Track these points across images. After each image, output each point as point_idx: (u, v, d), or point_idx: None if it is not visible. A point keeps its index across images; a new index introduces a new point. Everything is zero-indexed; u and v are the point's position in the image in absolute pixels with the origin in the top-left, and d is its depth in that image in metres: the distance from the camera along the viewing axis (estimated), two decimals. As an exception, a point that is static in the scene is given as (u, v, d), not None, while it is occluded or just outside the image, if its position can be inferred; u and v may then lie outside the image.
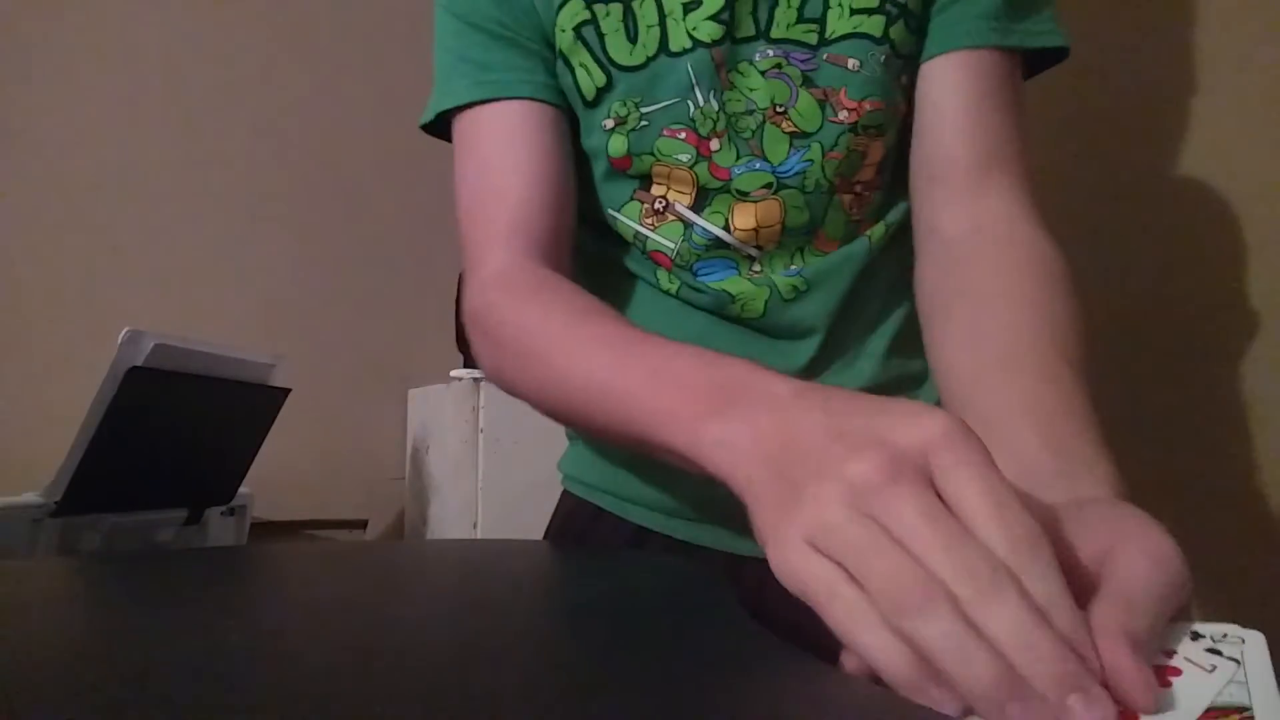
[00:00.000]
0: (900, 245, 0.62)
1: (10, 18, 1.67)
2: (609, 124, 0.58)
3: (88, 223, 1.70)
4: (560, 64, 0.59)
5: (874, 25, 0.56)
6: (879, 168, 0.60)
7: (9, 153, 1.65)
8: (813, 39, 0.56)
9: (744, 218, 0.58)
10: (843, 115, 0.57)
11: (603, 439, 0.58)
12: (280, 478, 1.59)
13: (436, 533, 1.66)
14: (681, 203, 0.59)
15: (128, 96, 1.76)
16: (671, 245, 0.60)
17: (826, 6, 0.56)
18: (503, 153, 0.59)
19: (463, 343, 2.07)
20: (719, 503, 0.39)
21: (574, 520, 0.69)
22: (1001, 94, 0.57)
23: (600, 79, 0.58)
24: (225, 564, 0.54)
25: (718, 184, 0.58)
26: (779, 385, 0.36)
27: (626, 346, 0.46)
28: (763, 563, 0.33)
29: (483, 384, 1.49)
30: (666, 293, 0.62)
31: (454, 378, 1.64)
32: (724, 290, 0.59)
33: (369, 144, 2.00)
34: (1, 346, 1.61)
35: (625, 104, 0.57)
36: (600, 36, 0.57)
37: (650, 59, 0.57)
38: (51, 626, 0.36)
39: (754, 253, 0.59)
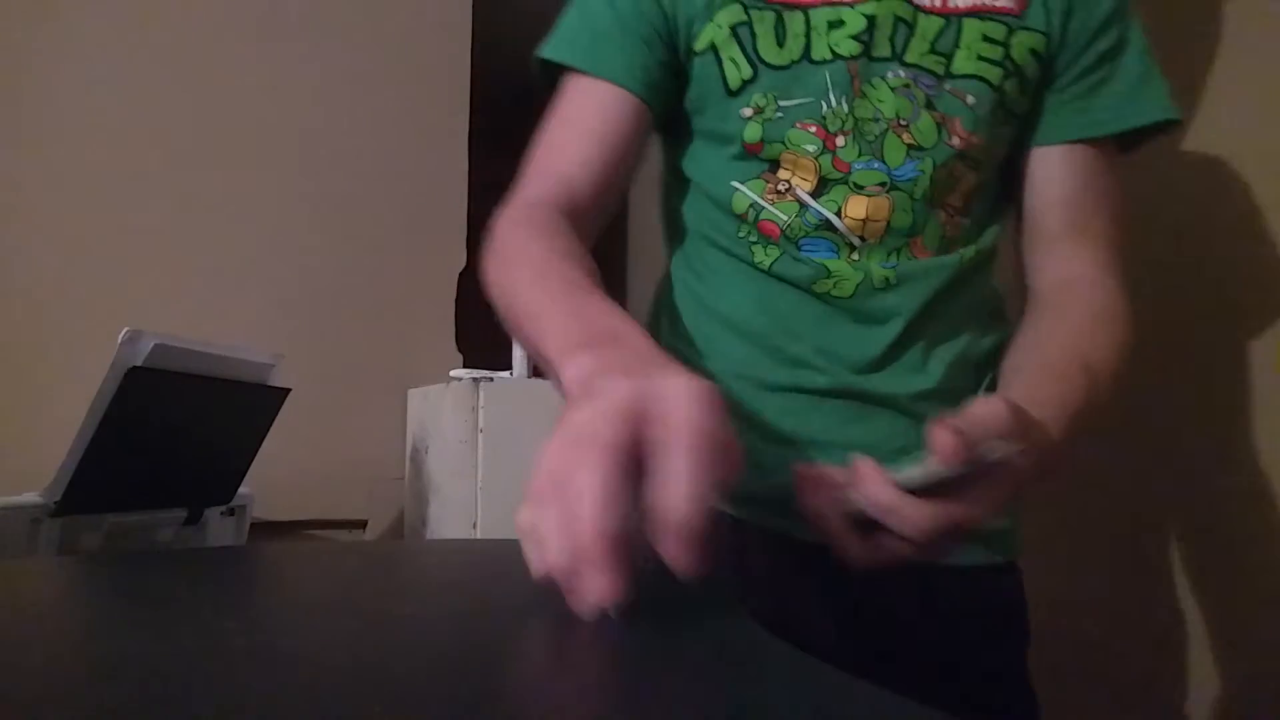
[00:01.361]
0: (984, 275, 0.70)
1: (12, 18, 1.67)
2: (748, 112, 0.67)
3: (88, 223, 1.71)
4: (708, 57, 0.67)
5: (993, 74, 0.65)
6: (968, 197, 0.68)
7: (9, 153, 1.65)
8: (940, 69, 0.66)
9: (856, 208, 0.65)
10: (955, 141, 0.66)
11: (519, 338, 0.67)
12: (280, 478, 1.59)
13: (436, 533, 1.66)
14: (803, 188, 0.66)
15: (128, 98, 1.76)
16: (785, 219, 0.66)
17: (956, 46, 0.66)
18: (588, 126, 0.68)
19: (462, 343, 2.08)
20: (774, 492, 0.58)
21: None
22: (1096, 180, 0.69)
23: (748, 72, 0.66)
24: (225, 564, 0.54)
25: (838, 175, 0.65)
26: (625, 345, 0.45)
27: (566, 290, 0.55)
28: (810, 545, 0.54)
29: (482, 384, 1.49)
30: (759, 267, 0.68)
31: (453, 378, 1.64)
32: (823, 265, 0.66)
33: (370, 144, 2.00)
34: (2, 346, 1.61)
35: (766, 96, 0.66)
36: (753, 36, 0.65)
37: (794, 62, 0.65)
38: (51, 626, 0.36)
39: (856, 241, 0.66)
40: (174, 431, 1.23)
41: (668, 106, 0.72)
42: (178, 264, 1.78)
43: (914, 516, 0.47)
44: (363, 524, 1.93)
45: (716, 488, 0.35)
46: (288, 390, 1.37)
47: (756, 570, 0.65)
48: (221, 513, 1.43)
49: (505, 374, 1.64)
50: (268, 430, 1.38)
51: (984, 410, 0.47)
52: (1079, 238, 0.69)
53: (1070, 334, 0.64)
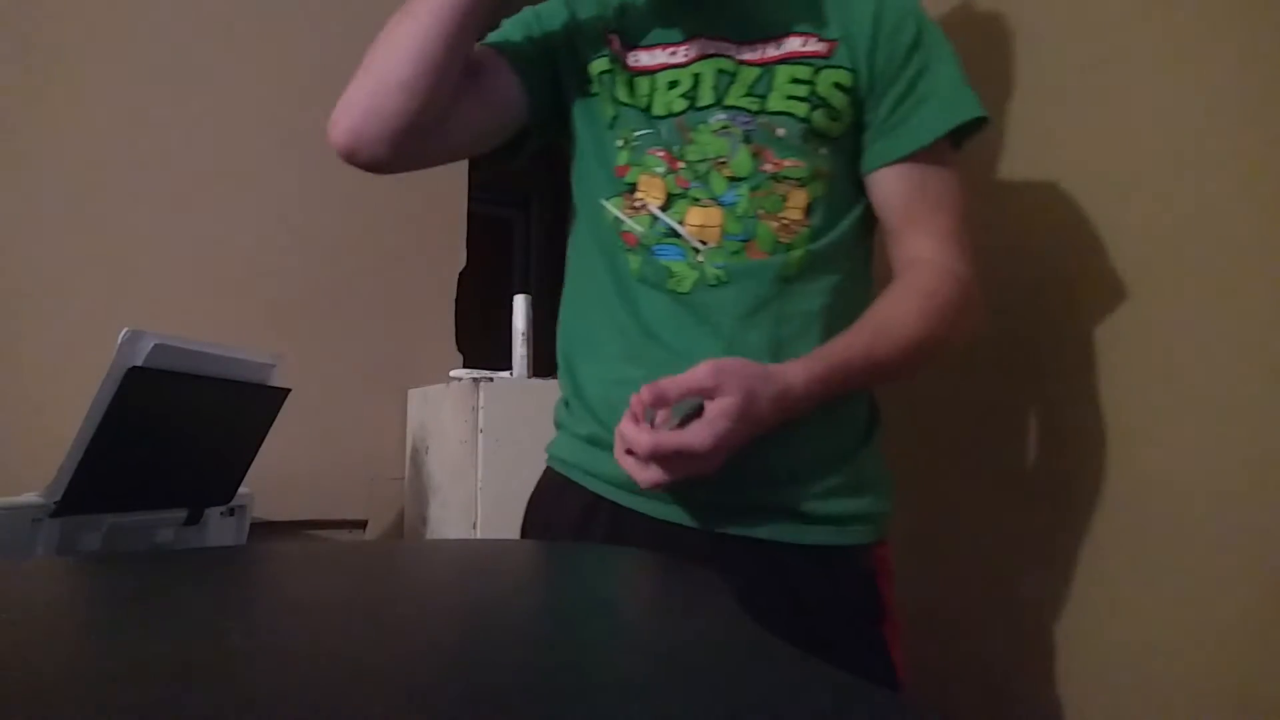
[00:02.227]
0: (827, 272, 0.81)
1: (13, 18, 1.67)
2: (619, 143, 0.83)
3: (88, 223, 1.70)
4: (596, 96, 0.85)
5: (799, 108, 0.79)
6: (806, 211, 0.80)
7: (10, 153, 1.65)
8: (755, 107, 0.80)
9: (695, 216, 0.79)
10: (768, 167, 0.79)
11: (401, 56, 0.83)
12: (280, 478, 1.59)
13: (436, 533, 1.66)
14: (653, 204, 0.80)
15: (129, 97, 1.76)
16: (640, 230, 0.81)
17: (770, 89, 0.80)
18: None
19: (462, 343, 2.08)
20: None
21: (549, 488, 0.90)
22: (928, 183, 0.82)
23: (614, 111, 0.83)
24: (225, 564, 0.54)
25: (680, 190, 0.80)
26: None
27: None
28: (685, 529, 0.78)
29: (482, 384, 1.49)
30: (633, 273, 0.82)
31: (454, 378, 1.64)
32: (668, 266, 0.80)
33: (369, 144, 2.00)
34: (2, 347, 1.61)
35: (627, 129, 0.82)
36: (614, 84, 0.83)
37: (643, 108, 0.82)
38: (51, 626, 0.36)
39: (699, 245, 0.79)
40: (174, 431, 1.23)
41: (551, 108, 0.87)
42: (178, 264, 1.78)
43: (642, 440, 0.67)
44: (363, 524, 1.93)
45: None
46: (288, 390, 1.37)
47: (622, 544, 0.77)
48: (221, 513, 1.43)
49: (505, 374, 1.64)
50: (268, 430, 1.38)
51: (693, 372, 0.66)
52: (917, 231, 0.82)
53: (879, 307, 0.78)
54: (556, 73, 0.87)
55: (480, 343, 2.14)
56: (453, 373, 1.73)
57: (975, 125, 0.83)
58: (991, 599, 1.14)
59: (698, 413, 0.67)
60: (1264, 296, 0.86)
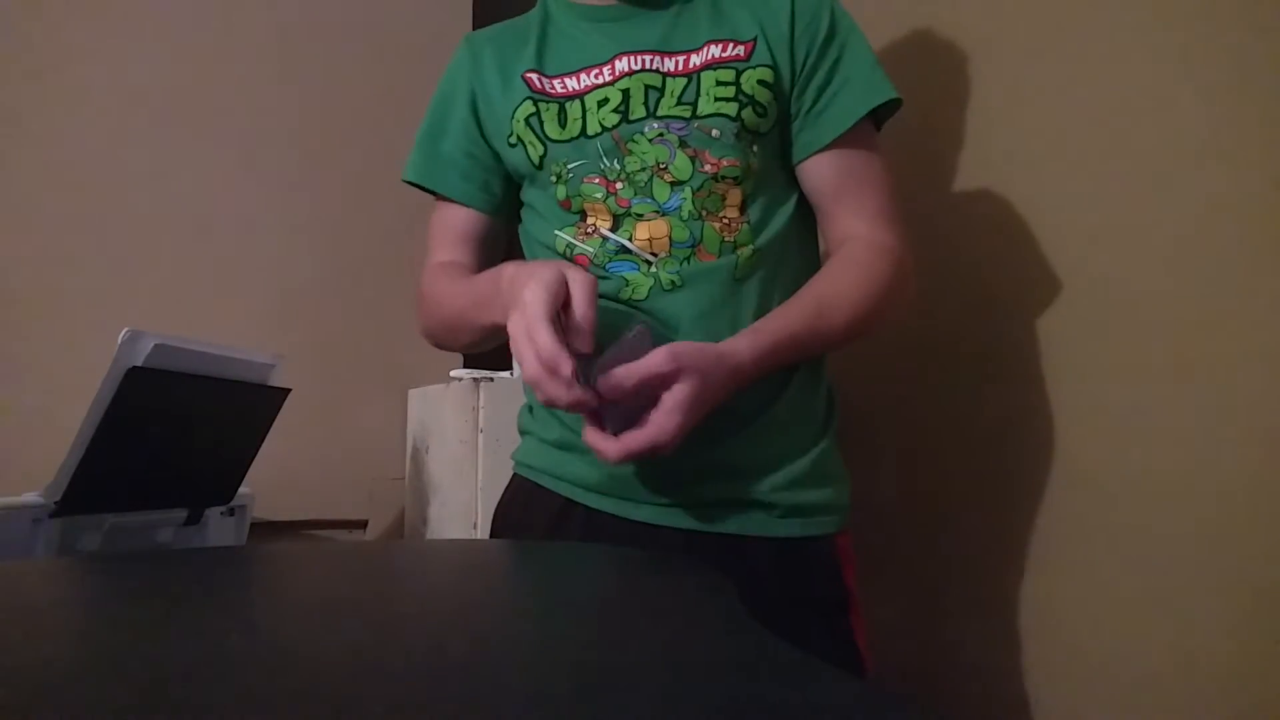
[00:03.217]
0: (776, 266, 0.85)
1: (14, 18, 1.67)
2: (553, 179, 0.86)
3: (88, 223, 1.70)
4: (518, 146, 0.87)
5: (729, 108, 0.82)
6: (741, 209, 0.84)
7: (10, 152, 1.65)
8: (688, 114, 0.83)
9: (641, 231, 0.82)
10: (707, 168, 0.82)
11: (465, 339, 0.92)
12: (280, 478, 1.59)
13: (436, 533, 1.66)
14: (603, 227, 0.84)
15: (129, 97, 1.76)
16: (591, 251, 0.84)
17: (698, 95, 0.83)
18: (453, 233, 0.97)
19: (463, 343, 2.08)
20: (621, 482, 0.81)
21: (518, 495, 0.92)
22: (854, 165, 0.86)
23: (541, 149, 0.86)
24: (225, 564, 0.54)
25: (622, 210, 0.83)
26: (521, 266, 0.76)
27: (471, 288, 0.86)
28: (648, 526, 0.81)
29: (482, 384, 1.49)
30: None
31: (454, 378, 1.64)
32: (623, 277, 0.82)
33: (369, 144, 2.00)
34: (2, 347, 1.61)
35: (559, 164, 0.85)
36: (541, 123, 0.86)
37: (574, 137, 0.84)
38: (51, 626, 0.36)
39: (650, 258, 0.82)
40: (174, 431, 1.23)
41: (506, 197, 0.94)
42: (178, 264, 1.78)
43: (610, 449, 0.70)
44: (363, 524, 1.93)
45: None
46: (288, 390, 1.37)
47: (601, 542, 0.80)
48: (221, 513, 1.43)
49: (505, 374, 1.64)
50: (268, 430, 1.38)
51: (649, 359, 0.68)
52: (847, 213, 0.86)
53: (818, 281, 0.82)
54: (484, 167, 0.93)
55: (480, 343, 2.14)
56: (453, 373, 1.73)
57: (893, 106, 0.87)
58: (977, 600, 1.15)
59: (626, 346, 0.70)
60: (1259, 292, 0.86)
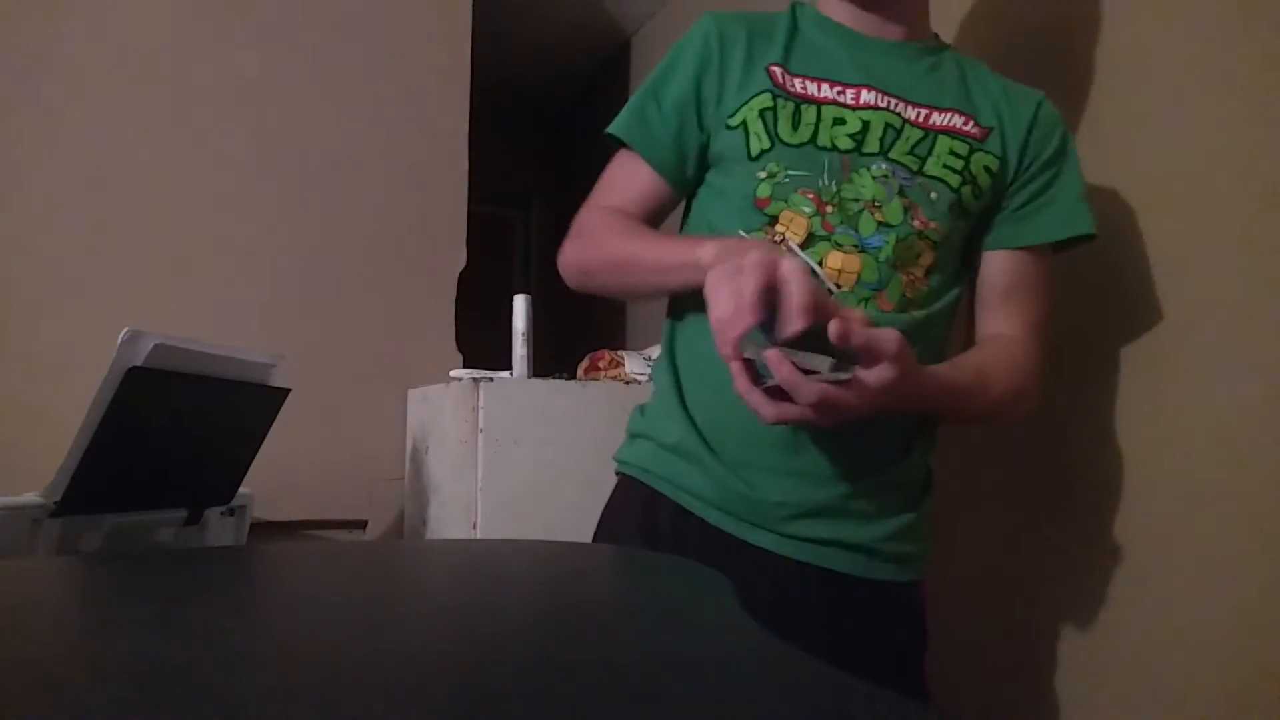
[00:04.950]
0: (934, 334, 0.88)
1: (14, 18, 1.67)
2: (762, 175, 0.86)
3: (88, 223, 1.70)
4: (738, 130, 0.87)
5: (953, 179, 0.86)
6: (927, 271, 0.86)
7: (10, 152, 1.65)
8: (915, 166, 0.86)
9: (834, 260, 0.83)
10: (916, 223, 0.85)
11: (629, 282, 0.90)
12: (280, 478, 1.59)
13: (436, 533, 1.66)
14: (794, 241, 0.84)
15: (129, 96, 1.76)
16: None
17: (930, 153, 0.86)
18: (632, 192, 0.94)
19: (462, 343, 2.07)
20: (738, 501, 0.83)
21: (634, 496, 0.92)
22: (1029, 273, 0.91)
23: (767, 144, 0.86)
24: (225, 564, 0.54)
25: (823, 234, 0.84)
26: (733, 239, 0.81)
27: (663, 235, 0.88)
28: (764, 552, 0.83)
29: (482, 384, 1.49)
30: None
31: (454, 378, 1.64)
32: None
33: (370, 144, 2.00)
34: (2, 347, 1.61)
35: (777, 165, 0.85)
36: (775, 120, 0.86)
37: (804, 143, 0.85)
38: (51, 626, 0.36)
39: (833, 288, 0.83)
40: (174, 431, 1.23)
41: (695, 178, 0.93)
42: (178, 264, 1.78)
43: (806, 388, 0.66)
44: (363, 524, 1.93)
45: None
46: (288, 390, 1.37)
47: (709, 558, 0.80)
48: (221, 513, 1.42)
49: (505, 374, 1.64)
50: (268, 430, 1.38)
51: (881, 331, 0.67)
52: (1010, 312, 0.91)
53: (980, 355, 0.88)
54: (689, 144, 0.92)
55: (480, 343, 2.14)
56: (453, 373, 1.73)
57: (1082, 240, 0.92)
58: (997, 600, 1.14)
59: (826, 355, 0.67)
60: (1269, 302, 0.86)
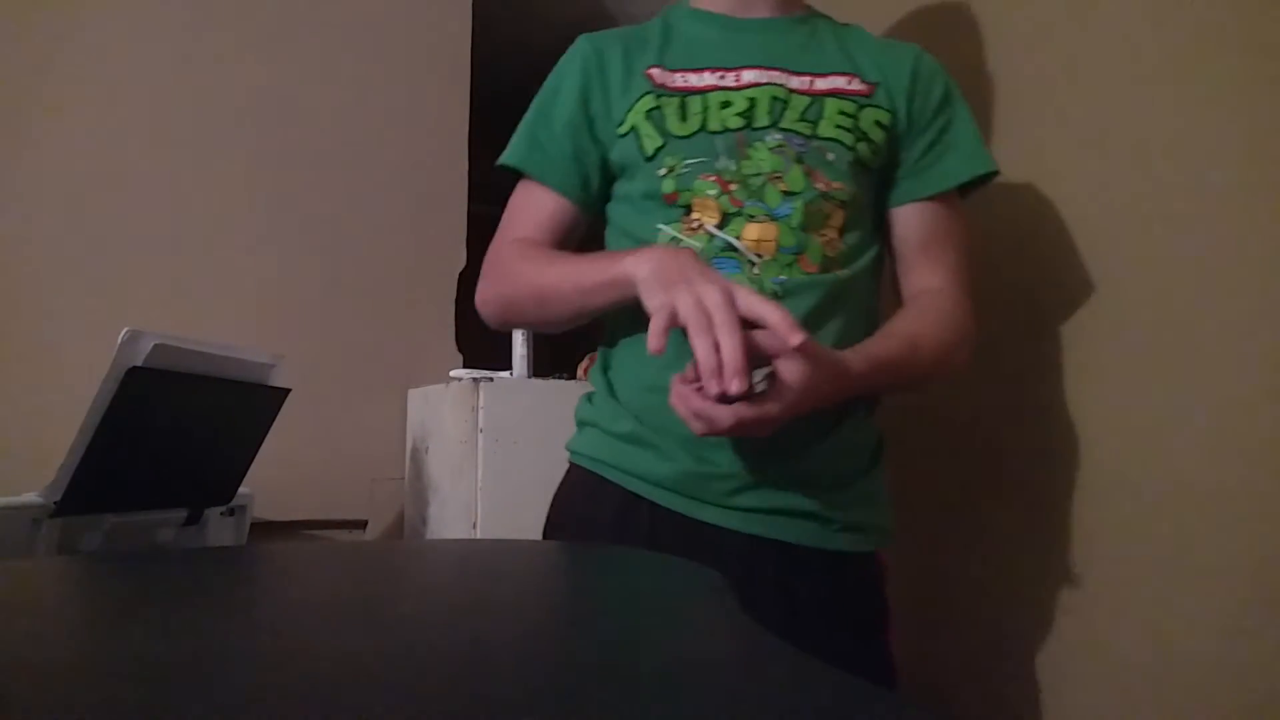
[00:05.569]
0: (860, 293, 0.89)
1: (19, 23, 1.67)
2: (662, 172, 0.88)
3: (88, 223, 1.70)
4: (629, 136, 0.90)
5: (847, 138, 0.88)
6: (841, 231, 0.88)
7: (10, 152, 1.65)
8: (808, 131, 0.87)
9: (751, 231, 0.84)
10: (820, 185, 0.86)
11: (552, 311, 0.90)
12: (280, 478, 1.59)
13: (436, 533, 1.66)
14: (710, 224, 0.86)
15: (129, 97, 1.76)
16: (699, 246, 0.85)
17: (820, 117, 0.88)
18: (536, 219, 0.95)
19: (462, 343, 2.07)
20: (689, 481, 0.84)
21: (580, 487, 0.92)
22: (941, 222, 0.93)
23: (660, 142, 0.88)
24: (225, 564, 0.54)
25: (734, 210, 0.85)
26: (660, 248, 0.81)
27: (580, 257, 0.87)
28: (714, 528, 0.83)
29: (482, 384, 1.49)
30: None
31: (454, 378, 1.64)
32: (729, 277, 0.80)
33: (370, 144, 2.00)
34: (2, 346, 1.61)
35: (674, 158, 0.87)
36: (662, 116, 0.89)
37: (695, 132, 0.87)
38: (51, 626, 0.36)
39: (755, 259, 0.84)
40: (174, 431, 1.23)
41: (599, 194, 0.95)
42: (178, 264, 1.78)
43: (720, 416, 0.70)
44: (363, 524, 1.93)
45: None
46: (288, 390, 1.37)
47: (660, 541, 0.83)
48: (221, 513, 1.43)
49: (505, 374, 1.64)
50: (268, 430, 1.38)
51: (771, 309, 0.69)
52: (930, 264, 0.92)
53: (907, 320, 0.88)
54: (586, 161, 0.94)
55: (480, 343, 2.13)
56: (453, 373, 1.73)
57: (985, 179, 0.94)
58: (986, 599, 1.15)
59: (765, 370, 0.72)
60: (1261, 295, 0.86)
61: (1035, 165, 1.11)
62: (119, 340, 1.07)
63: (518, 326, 0.97)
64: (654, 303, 0.73)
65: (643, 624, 0.34)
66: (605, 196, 0.96)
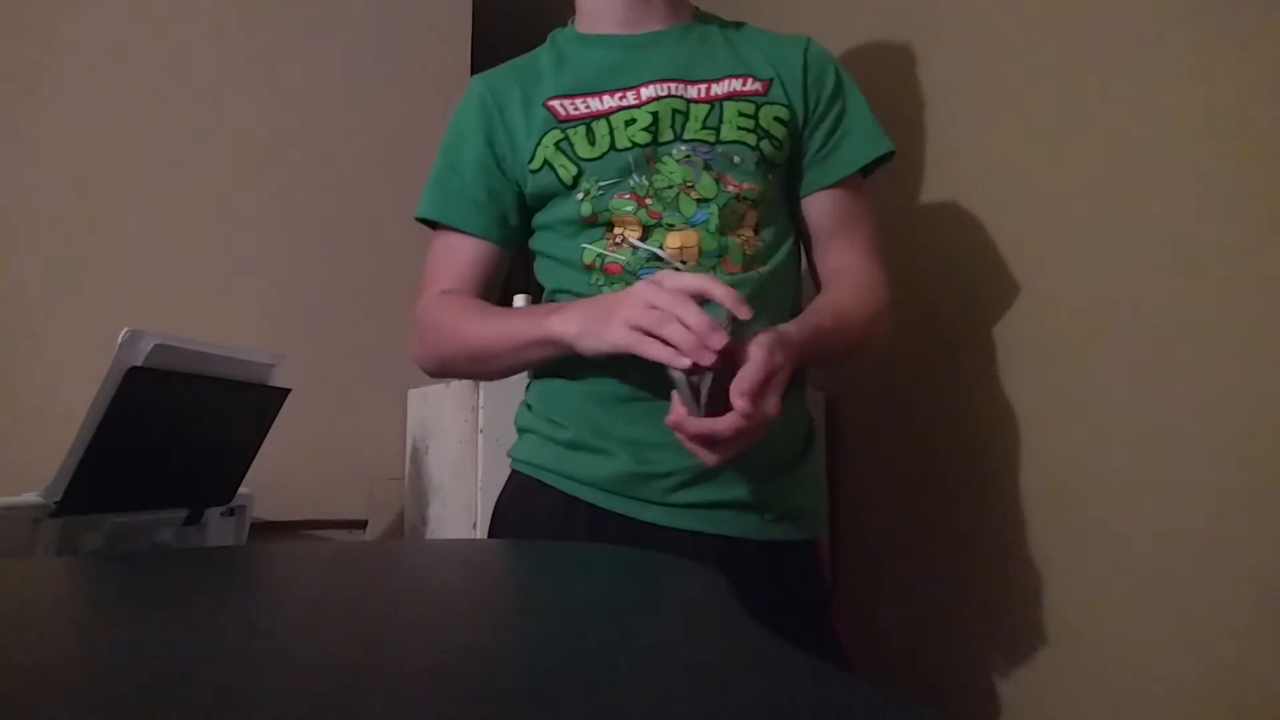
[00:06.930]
0: (784, 284, 0.92)
1: (14, 19, 1.67)
2: (580, 197, 0.90)
3: (88, 223, 1.70)
4: (544, 170, 0.92)
5: (749, 138, 0.90)
6: (756, 229, 0.91)
7: (10, 152, 1.65)
8: (712, 138, 0.90)
9: (673, 240, 0.88)
10: (730, 189, 0.89)
11: (487, 367, 0.94)
12: (280, 478, 1.59)
13: (436, 533, 1.66)
14: (632, 237, 0.89)
15: (129, 96, 1.76)
16: (623, 259, 0.89)
17: (721, 122, 0.90)
18: (457, 269, 0.99)
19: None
20: (628, 482, 0.85)
21: (520, 493, 0.94)
22: (849, 204, 0.97)
23: (575, 170, 0.90)
24: (225, 564, 0.54)
25: (653, 221, 0.88)
26: (578, 302, 0.84)
27: (510, 312, 0.94)
28: (656, 528, 0.84)
29: (482, 384, 1.49)
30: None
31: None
32: None
33: (370, 144, 2.00)
34: (2, 347, 1.61)
35: (589, 181, 0.90)
36: (571, 145, 0.91)
37: (604, 153, 0.90)
38: (51, 626, 0.36)
39: (680, 265, 0.87)
40: (174, 431, 1.23)
41: (519, 228, 0.98)
42: (177, 264, 1.78)
43: (693, 428, 0.74)
44: (363, 524, 1.93)
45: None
46: (288, 390, 1.37)
47: (607, 541, 0.84)
48: (221, 513, 1.42)
49: (505, 374, 1.63)
50: (268, 430, 1.38)
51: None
52: (843, 244, 0.96)
53: (829, 296, 0.92)
54: (502, 200, 0.96)
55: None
56: (453, 373, 1.73)
57: (885, 158, 0.98)
58: (971, 603, 1.14)
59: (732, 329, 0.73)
60: (1255, 294, 0.86)
61: (1024, 158, 1.11)
62: (119, 340, 1.07)
63: (454, 377, 1.01)
64: (606, 346, 0.76)
65: (643, 624, 0.34)
66: (525, 229, 0.99)
